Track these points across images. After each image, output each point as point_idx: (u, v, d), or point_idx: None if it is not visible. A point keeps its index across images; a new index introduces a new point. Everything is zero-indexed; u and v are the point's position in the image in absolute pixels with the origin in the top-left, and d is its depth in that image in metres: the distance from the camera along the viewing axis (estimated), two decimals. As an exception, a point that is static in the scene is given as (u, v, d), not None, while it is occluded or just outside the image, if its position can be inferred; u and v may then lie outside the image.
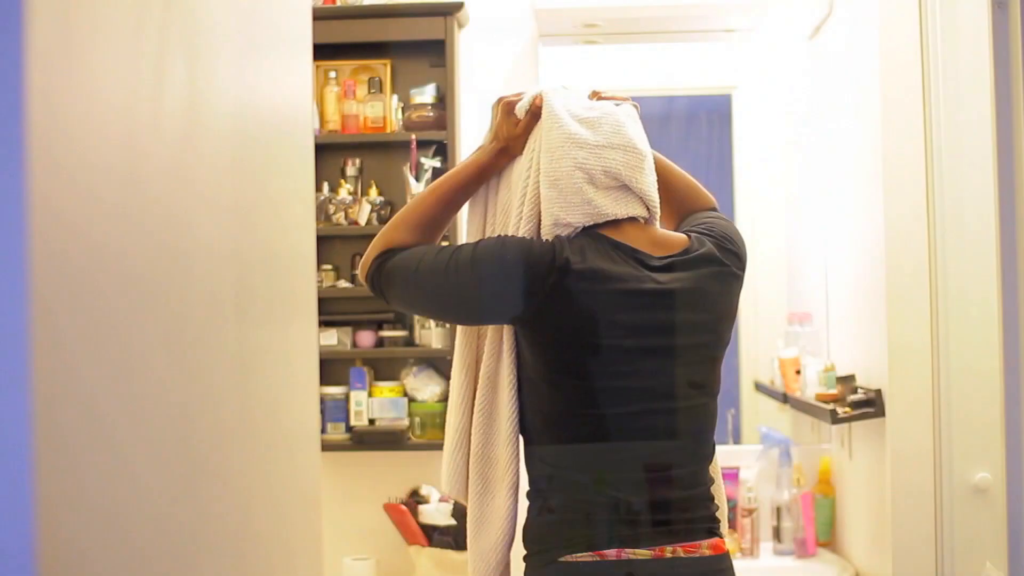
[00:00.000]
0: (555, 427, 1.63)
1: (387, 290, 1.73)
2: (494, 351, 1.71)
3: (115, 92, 0.77)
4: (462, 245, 1.69)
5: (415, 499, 3.03)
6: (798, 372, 3.15)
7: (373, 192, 3.13)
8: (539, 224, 1.66)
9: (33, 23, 0.63)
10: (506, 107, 1.74)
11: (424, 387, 3.07)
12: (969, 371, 2.50)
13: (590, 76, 3.54)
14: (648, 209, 1.68)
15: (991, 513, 2.43)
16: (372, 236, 3.06)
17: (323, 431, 3.05)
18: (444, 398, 3.07)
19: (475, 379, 1.75)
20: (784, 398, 3.27)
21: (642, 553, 1.58)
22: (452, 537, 2.94)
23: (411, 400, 3.08)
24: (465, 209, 1.85)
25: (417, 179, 3.05)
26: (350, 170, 3.17)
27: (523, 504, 1.72)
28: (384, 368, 3.17)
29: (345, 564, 3.06)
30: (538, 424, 1.65)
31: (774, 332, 3.38)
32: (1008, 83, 1.74)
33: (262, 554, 1.12)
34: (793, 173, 3.51)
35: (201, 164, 0.94)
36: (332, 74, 3.16)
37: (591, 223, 1.64)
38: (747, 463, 3.22)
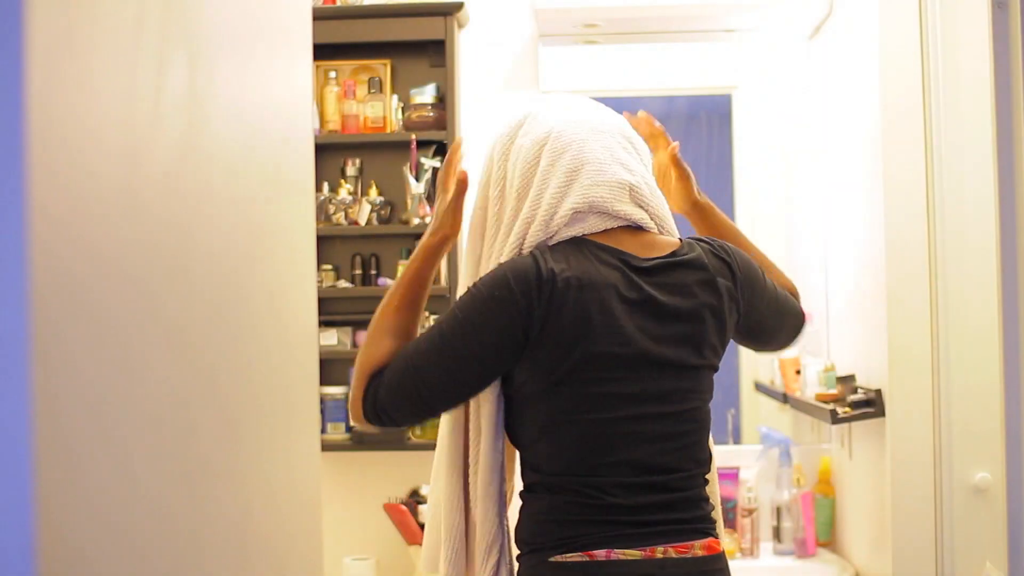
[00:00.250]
0: (547, 436, 1.62)
1: (394, 410, 1.62)
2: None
3: (115, 92, 0.77)
4: (437, 320, 1.64)
5: (415, 499, 3.03)
6: (798, 372, 3.15)
7: (373, 192, 3.13)
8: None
9: (33, 23, 0.63)
10: (440, 184, 1.79)
11: (424, 387, 3.07)
12: (969, 371, 2.50)
13: (590, 76, 3.54)
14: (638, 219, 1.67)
15: (991, 513, 2.43)
16: (372, 236, 3.12)
17: (323, 431, 3.05)
18: (444, 398, 3.07)
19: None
20: (784, 398, 3.27)
21: (632, 554, 1.57)
22: (452, 537, 2.94)
23: (411, 400, 3.08)
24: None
25: (417, 179, 3.05)
26: (350, 170, 3.17)
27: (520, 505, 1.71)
28: (384, 368, 3.16)
29: (345, 564, 3.06)
30: (531, 433, 1.64)
31: (774, 332, 3.37)
32: (1008, 83, 1.74)
33: (262, 554, 1.12)
34: (793, 173, 3.51)
35: (201, 164, 0.94)
36: (332, 74, 3.16)
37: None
38: (747, 463, 3.22)
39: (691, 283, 1.63)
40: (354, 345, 3.11)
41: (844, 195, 3.03)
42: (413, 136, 3.08)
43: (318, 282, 3.03)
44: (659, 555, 1.58)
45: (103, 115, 0.75)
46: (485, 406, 1.67)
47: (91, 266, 0.72)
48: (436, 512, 1.79)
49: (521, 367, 1.61)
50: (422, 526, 2.97)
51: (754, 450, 3.26)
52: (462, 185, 1.76)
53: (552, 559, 1.59)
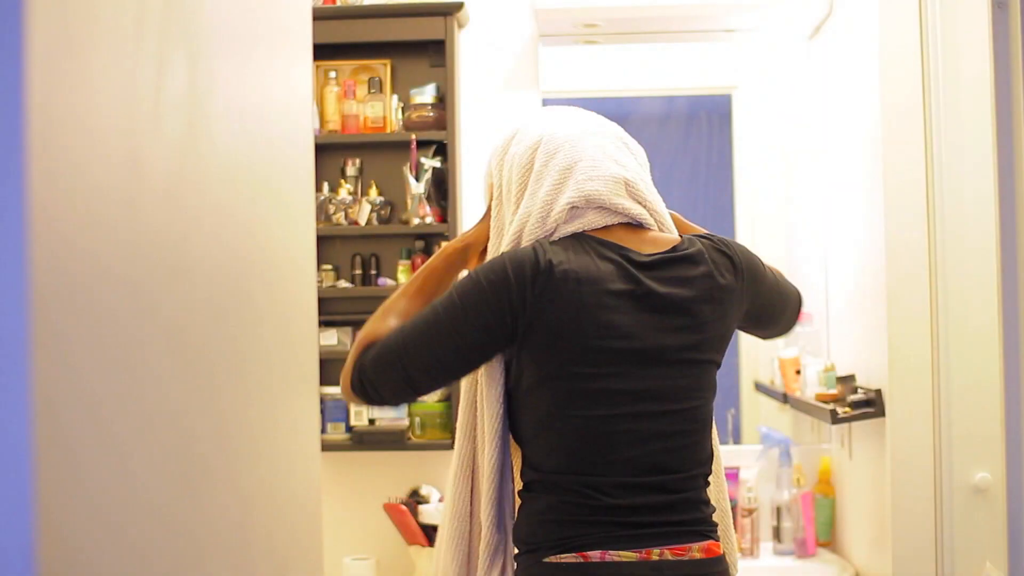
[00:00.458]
0: (543, 432, 1.62)
1: (378, 380, 1.63)
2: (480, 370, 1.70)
3: (115, 92, 0.77)
4: (435, 302, 1.65)
5: (415, 499, 3.03)
6: (798, 372, 3.15)
7: (373, 192, 3.13)
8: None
9: (33, 23, 0.63)
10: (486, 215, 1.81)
11: (424, 387, 3.07)
12: (969, 371, 2.50)
13: (590, 76, 3.54)
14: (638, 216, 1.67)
15: (991, 513, 2.43)
16: (372, 236, 3.12)
17: (323, 431, 3.05)
18: (444, 398, 3.07)
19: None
20: (784, 398, 3.27)
21: (627, 555, 1.56)
22: (452, 537, 2.94)
23: (411, 400, 3.08)
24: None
25: (417, 179, 3.05)
26: (350, 170, 3.17)
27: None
28: (384, 368, 3.16)
29: (345, 564, 3.06)
30: (528, 430, 1.64)
31: (774, 332, 3.38)
32: (1008, 83, 1.74)
33: (262, 554, 1.12)
34: (793, 173, 3.51)
35: (201, 164, 0.94)
36: (332, 74, 3.16)
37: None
38: (747, 463, 3.22)
39: (692, 278, 1.63)
40: (354, 345, 3.11)
41: (844, 195, 3.03)
42: (413, 136, 3.08)
43: (318, 282, 3.03)
44: (655, 557, 1.57)
45: (103, 116, 0.75)
46: (488, 406, 1.67)
47: (91, 266, 0.72)
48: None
49: (518, 359, 1.62)
50: (422, 526, 2.97)
51: (754, 450, 3.25)
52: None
53: (547, 559, 1.58)
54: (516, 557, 1.66)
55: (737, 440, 3.42)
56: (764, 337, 1.97)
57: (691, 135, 3.59)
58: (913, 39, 2.58)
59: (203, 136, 0.95)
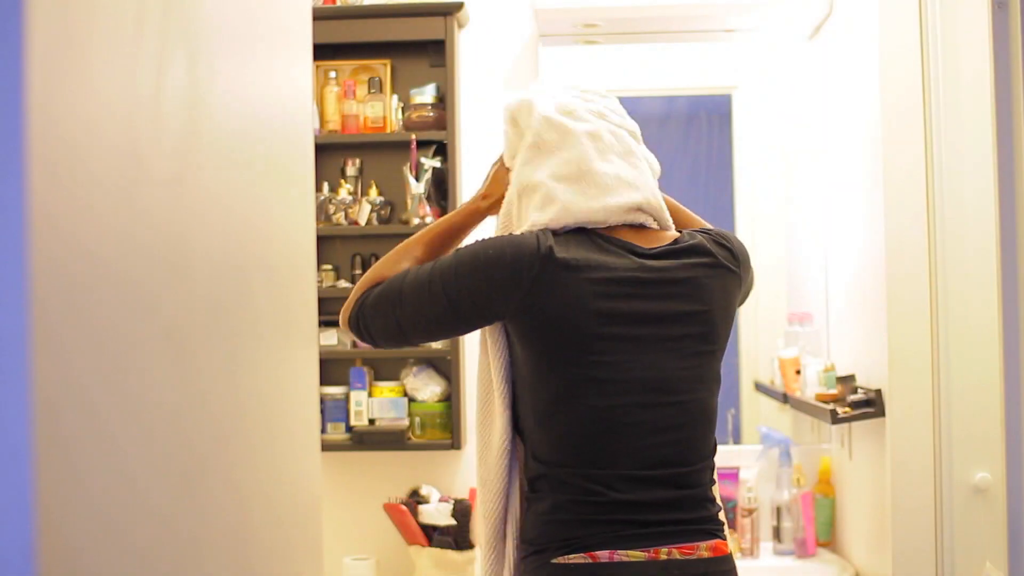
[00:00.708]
0: (547, 422, 1.62)
1: (372, 322, 1.69)
2: (484, 352, 1.71)
3: (115, 92, 0.77)
4: (439, 258, 1.69)
5: (415, 499, 3.03)
6: (798, 372, 3.15)
7: (373, 192, 3.13)
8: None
9: (33, 23, 0.63)
10: (501, 162, 1.82)
11: (424, 387, 3.07)
12: (969, 371, 2.50)
13: (590, 76, 3.54)
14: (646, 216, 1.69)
15: (991, 513, 2.43)
16: (372, 236, 3.12)
17: (323, 431, 3.05)
18: (444, 398, 3.08)
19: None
20: (784, 398, 3.27)
21: (636, 555, 1.56)
22: (452, 537, 2.94)
23: (411, 400, 3.08)
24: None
25: (417, 179, 3.05)
26: (350, 170, 3.17)
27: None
28: (384, 368, 3.17)
29: (345, 564, 3.06)
30: (532, 422, 1.65)
31: (774, 332, 3.38)
32: (1008, 83, 1.74)
33: (262, 554, 1.12)
34: (793, 173, 3.51)
35: (201, 164, 0.94)
36: (332, 74, 3.16)
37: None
38: (747, 463, 3.22)
39: (695, 268, 1.64)
40: (354, 345, 3.11)
41: (844, 195, 3.03)
42: (413, 136, 3.08)
43: (318, 282, 3.03)
44: (663, 556, 1.57)
45: (103, 116, 0.75)
46: (496, 394, 1.68)
47: (91, 266, 0.72)
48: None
49: (521, 346, 1.62)
50: (422, 526, 2.97)
51: (754, 450, 3.25)
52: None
53: (554, 560, 1.58)
54: (523, 559, 1.66)
55: (737, 440, 3.42)
56: None
57: (691, 135, 3.59)
58: (913, 39, 2.58)
59: (203, 136, 0.95)
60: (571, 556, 1.57)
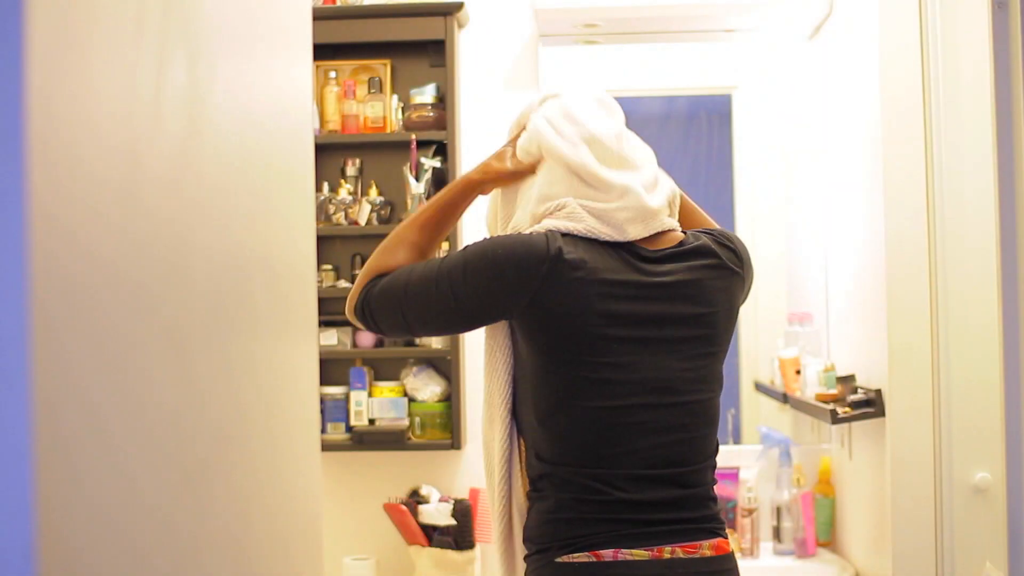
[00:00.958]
0: (550, 421, 1.63)
1: (379, 314, 1.69)
2: (489, 348, 1.71)
3: (115, 92, 0.76)
4: (450, 253, 1.69)
5: (415, 499, 3.03)
6: (798, 372, 3.15)
7: (373, 192, 3.13)
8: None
9: (33, 23, 0.63)
10: (513, 140, 1.78)
11: (424, 387, 3.07)
12: (969, 371, 2.50)
13: (590, 76, 3.54)
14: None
15: (991, 513, 2.43)
16: (372, 236, 3.12)
17: (323, 431, 3.05)
18: (444, 398, 3.08)
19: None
20: (784, 398, 3.27)
21: (639, 554, 1.57)
22: (452, 537, 2.94)
23: (411, 400, 3.08)
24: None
25: (417, 179, 3.05)
26: (350, 170, 3.17)
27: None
28: (384, 368, 3.17)
29: (345, 564, 3.06)
30: (534, 421, 1.65)
31: (774, 332, 3.38)
32: (1008, 83, 1.74)
33: (262, 554, 1.12)
34: (793, 173, 3.51)
35: (201, 164, 0.94)
36: (332, 74, 3.16)
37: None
38: (747, 463, 3.22)
39: (699, 271, 1.65)
40: (354, 345, 3.11)
41: (844, 195, 3.03)
42: (413, 136, 3.08)
43: (318, 282, 3.03)
44: (667, 555, 1.58)
45: (103, 116, 0.74)
46: (496, 393, 1.68)
47: (91, 266, 0.72)
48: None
49: (526, 346, 1.63)
50: (422, 526, 2.97)
51: (754, 450, 3.25)
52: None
53: (558, 559, 1.59)
54: (527, 558, 1.66)
55: (737, 440, 3.42)
56: None
57: (691, 135, 3.59)
58: (913, 39, 2.58)
59: (203, 136, 0.95)
60: (575, 555, 1.58)
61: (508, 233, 1.71)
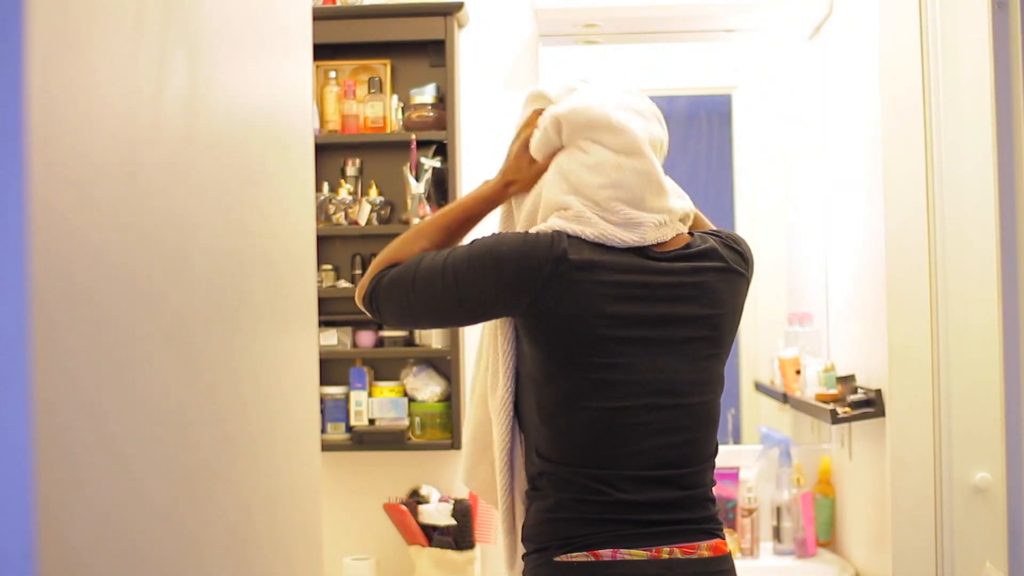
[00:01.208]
0: (552, 422, 1.63)
1: (384, 304, 1.71)
2: (492, 345, 1.71)
3: (115, 92, 0.76)
4: (457, 247, 1.69)
5: (415, 499, 3.03)
6: (798, 372, 3.15)
7: (373, 192, 3.13)
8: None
9: (33, 23, 0.63)
10: (523, 143, 1.75)
11: (424, 387, 3.07)
12: (969, 371, 2.50)
13: (590, 76, 3.54)
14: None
15: (991, 513, 2.43)
16: (372, 236, 3.12)
17: (323, 431, 3.05)
18: (444, 398, 3.07)
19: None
20: (784, 398, 3.27)
21: (638, 554, 1.57)
22: (452, 537, 2.94)
23: (411, 400, 3.08)
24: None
25: (417, 179, 3.05)
26: (350, 170, 3.17)
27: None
28: (384, 368, 3.17)
29: (345, 564, 3.06)
30: (536, 420, 1.65)
31: (774, 332, 3.38)
32: (1008, 83, 1.74)
33: (262, 554, 1.12)
34: (793, 173, 3.51)
35: (201, 164, 0.94)
36: (332, 74, 3.16)
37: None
38: (747, 463, 3.22)
39: (706, 273, 1.65)
40: (354, 345, 3.11)
41: (844, 195, 3.03)
42: (413, 136, 3.08)
43: (318, 282, 3.03)
44: (665, 555, 1.58)
45: (103, 115, 0.74)
46: (500, 388, 1.68)
47: (91, 266, 0.72)
48: (472, 430, 1.82)
49: (530, 346, 1.63)
50: (422, 526, 2.97)
51: (754, 450, 3.25)
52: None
53: (557, 559, 1.59)
54: (525, 556, 1.67)
55: (737, 440, 3.42)
56: None
57: (691, 135, 3.59)
58: (913, 39, 2.58)
59: (203, 136, 0.95)
60: (574, 554, 1.58)
61: (517, 231, 1.71)
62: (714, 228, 1.79)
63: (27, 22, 0.63)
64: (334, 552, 3.04)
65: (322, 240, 3.09)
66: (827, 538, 3.17)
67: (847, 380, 2.87)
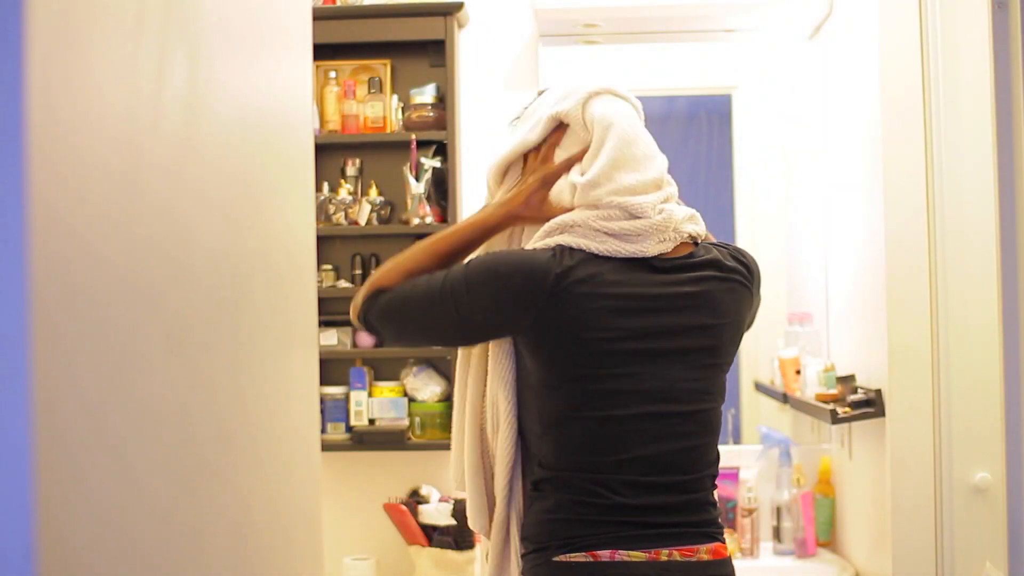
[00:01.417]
0: (553, 431, 1.63)
1: (382, 327, 1.71)
2: (493, 355, 1.70)
3: (115, 92, 0.76)
4: (453, 268, 1.66)
5: (415, 499, 3.03)
6: (798, 372, 3.15)
7: (373, 192, 3.13)
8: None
9: (33, 23, 0.63)
10: (543, 181, 1.70)
11: (424, 387, 3.07)
12: (969, 371, 2.50)
13: (590, 76, 3.54)
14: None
15: (991, 513, 2.43)
16: (372, 236, 3.12)
17: (323, 431, 3.05)
18: (444, 398, 3.07)
19: (478, 378, 1.75)
20: (784, 398, 3.27)
21: (637, 555, 1.57)
22: (452, 537, 2.94)
23: (411, 400, 3.08)
24: None
25: (417, 179, 3.05)
26: (350, 170, 3.17)
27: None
28: (384, 368, 3.17)
29: (345, 564, 3.06)
30: (537, 427, 1.65)
31: (774, 332, 3.38)
32: (1008, 83, 1.74)
33: (262, 554, 1.12)
34: (793, 173, 3.51)
35: (201, 164, 0.94)
36: (332, 74, 3.16)
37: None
38: (747, 463, 3.22)
39: (709, 283, 1.64)
40: (354, 345, 3.11)
41: (844, 195, 3.03)
42: (413, 136, 3.08)
43: (318, 282, 3.03)
44: (663, 558, 1.58)
45: (103, 115, 0.74)
46: (501, 401, 1.68)
47: (91, 266, 0.72)
48: (458, 437, 1.80)
49: (532, 359, 1.62)
50: (422, 526, 2.97)
51: (754, 450, 3.25)
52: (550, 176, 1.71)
53: (556, 559, 1.59)
54: (524, 556, 1.67)
55: (737, 440, 3.42)
56: None
57: (691, 135, 3.59)
58: (913, 39, 2.58)
59: (203, 136, 0.95)
60: (573, 555, 1.58)
61: (515, 249, 1.68)
62: (719, 242, 1.78)
63: (27, 22, 0.63)
64: (334, 552, 3.04)
65: (322, 240, 3.09)
66: (827, 538, 3.17)
67: (847, 380, 2.87)
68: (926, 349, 2.56)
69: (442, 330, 1.67)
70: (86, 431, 0.70)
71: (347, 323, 3.12)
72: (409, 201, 3.06)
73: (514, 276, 1.58)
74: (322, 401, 3.04)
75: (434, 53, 3.15)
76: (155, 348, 0.83)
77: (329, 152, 3.15)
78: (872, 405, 2.72)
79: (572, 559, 1.58)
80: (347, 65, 3.20)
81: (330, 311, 3.10)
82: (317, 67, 3.13)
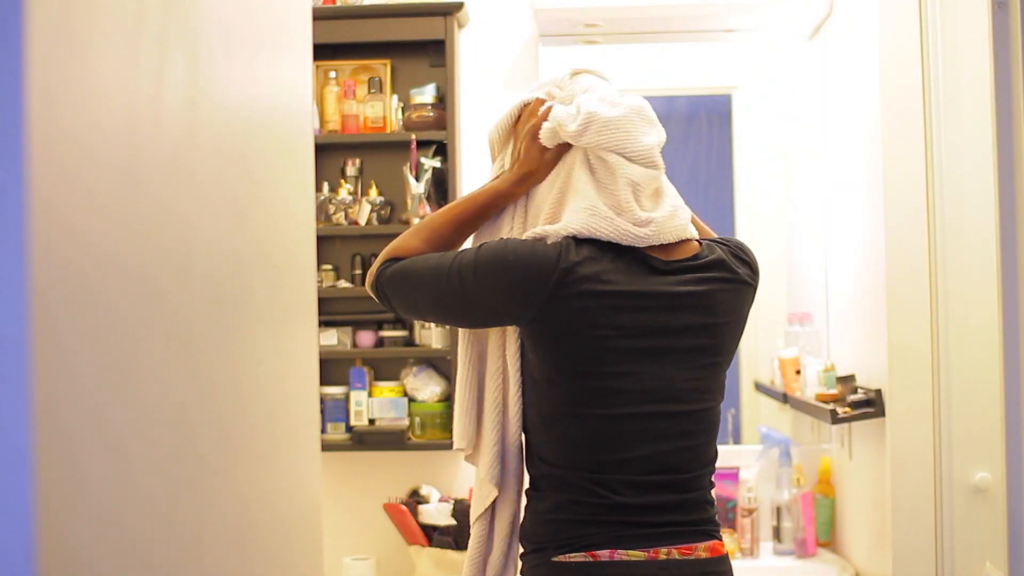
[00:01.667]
0: (554, 426, 1.63)
1: (391, 294, 1.72)
2: (498, 348, 1.71)
3: (115, 92, 0.77)
4: (466, 249, 1.68)
5: (415, 499, 3.03)
6: (798, 372, 3.15)
7: (373, 192, 3.13)
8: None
9: (33, 23, 0.63)
10: (531, 133, 1.72)
11: (424, 387, 3.07)
12: (969, 371, 2.50)
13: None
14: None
15: (991, 513, 2.43)
16: (372, 236, 3.13)
17: (323, 431, 3.05)
18: (444, 398, 3.07)
19: (479, 373, 1.75)
20: (784, 398, 3.27)
21: (636, 554, 1.58)
22: (452, 537, 2.94)
23: (411, 400, 3.08)
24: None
25: (417, 179, 3.05)
26: (350, 170, 3.17)
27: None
28: (384, 368, 3.17)
29: (345, 564, 3.06)
30: (538, 423, 1.65)
31: (774, 332, 3.38)
32: (1008, 83, 1.74)
33: (262, 554, 1.12)
34: (793, 173, 3.51)
35: (201, 164, 0.94)
36: (332, 74, 3.16)
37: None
38: (747, 463, 3.22)
39: (712, 283, 1.64)
40: (354, 345, 3.11)
41: (844, 195, 3.03)
42: (413, 136, 3.08)
43: (318, 282, 3.03)
44: (662, 556, 1.58)
45: (103, 114, 0.75)
46: (513, 394, 1.68)
47: (91, 265, 0.72)
48: (462, 394, 1.79)
49: (534, 351, 1.62)
50: (422, 526, 2.97)
51: (754, 450, 3.25)
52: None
53: (555, 559, 1.59)
54: (522, 556, 1.67)
55: (737, 440, 3.42)
56: None
57: (691, 135, 3.59)
58: (913, 39, 2.58)
59: (203, 135, 0.95)
60: (572, 555, 1.58)
61: (524, 238, 1.68)
62: (718, 237, 1.78)
63: (27, 22, 0.63)
64: (334, 552, 3.04)
65: (322, 240, 3.09)
66: (827, 538, 3.17)
67: (847, 380, 2.87)
68: (926, 349, 2.56)
69: (447, 307, 1.68)
70: (86, 430, 0.70)
71: (347, 323, 3.13)
72: (409, 201, 3.06)
73: (519, 268, 1.59)
74: (322, 401, 3.05)
75: (434, 53, 3.15)
76: (155, 347, 0.83)
77: (329, 152, 3.15)
78: (872, 405, 2.72)
79: (571, 559, 1.58)
80: (347, 65, 3.20)
81: (330, 311, 3.10)
82: (317, 67, 3.13)
